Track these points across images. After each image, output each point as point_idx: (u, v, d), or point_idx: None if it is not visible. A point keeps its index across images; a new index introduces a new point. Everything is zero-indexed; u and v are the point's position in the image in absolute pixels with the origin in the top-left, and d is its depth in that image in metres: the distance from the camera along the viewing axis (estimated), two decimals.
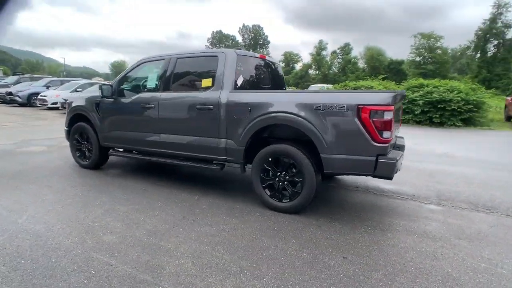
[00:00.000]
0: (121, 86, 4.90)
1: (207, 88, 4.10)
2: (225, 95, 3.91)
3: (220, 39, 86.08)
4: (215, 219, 3.47)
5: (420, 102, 13.21)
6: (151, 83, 4.70)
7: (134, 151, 4.94)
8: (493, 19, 39.58)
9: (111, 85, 4.82)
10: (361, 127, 3.18)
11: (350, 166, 3.32)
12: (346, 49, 62.45)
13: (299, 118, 3.42)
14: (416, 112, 13.29)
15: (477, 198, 4.27)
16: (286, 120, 3.51)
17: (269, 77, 4.98)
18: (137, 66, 4.84)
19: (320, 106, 3.35)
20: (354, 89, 15.66)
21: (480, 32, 40.90)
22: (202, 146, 4.12)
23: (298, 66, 74.89)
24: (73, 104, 5.44)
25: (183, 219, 3.46)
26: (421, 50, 50.65)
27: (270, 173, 3.75)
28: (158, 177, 5.05)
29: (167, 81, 4.41)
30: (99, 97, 5.00)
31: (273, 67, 5.16)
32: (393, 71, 51.99)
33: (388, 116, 3.11)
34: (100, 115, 5.03)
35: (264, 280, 2.38)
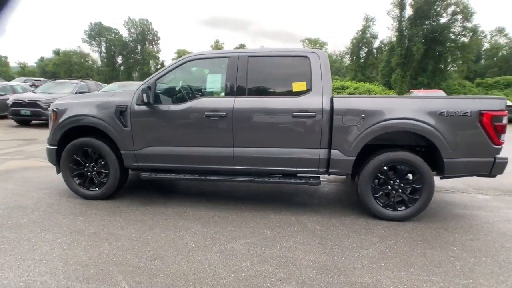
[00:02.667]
0: (157, 90, 3.83)
1: (301, 92, 3.60)
2: (328, 101, 3.52)
3: (100, 32, 76.73)
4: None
5: None
6: (214, 86, 3.83)
7: (170, 170, 3.93)
8: (364, 30, 47.58)
9: (149, 87, 3.70)
10: (482, 131, 3.36)
11: (470, 168, 3.47)
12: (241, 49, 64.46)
13: (425, 125, 3.37)
14: None
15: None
16: (410, 127, 3.41)
17: None
18: (181, 64, 3.85)
19: (444, 112, 3.38)
20: None
21: (354, 41, 48.55)
22: (297, 159, 3.61)
23: None
24: (71, 113, 3.96)
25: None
26: None
27: (380, 182, 3.59)
28: (197, 198, 4.19)
29: (240, 84, 3.67)
30: (126, 103, 3.79)
31: None
32: None
33: (505, 120, 3.38)
34: (127, 127, 3.81)
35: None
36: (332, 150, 3.56)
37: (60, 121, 3.97)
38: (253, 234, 3.19)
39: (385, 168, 3.53)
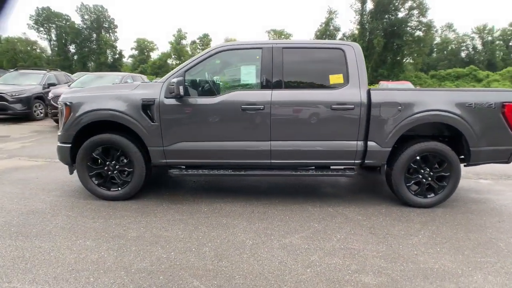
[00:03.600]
0: (186, 82, 3.62)
1: (338, 85, 3.62)
2: (365, 93, 3.58)
3: (48, 18, 70.49)
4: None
5: None
6: (248, 78, 3.69)
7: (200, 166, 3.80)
8: (327, 23, 48.79)
9: (183, 79, 3.48)
10: (504, 121, 3.63)
11: (491, 156, 3.73)
12: (205, 39, 63.06)
13: (456, 116, 3.55)
14: None
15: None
16: (443, 118, 3.57)
17: None
18: (212, 55, 3.67)
19: (472, 104, 3.58)
20: None
21: (318, 33, 49.66)
22: (334, 151, 3.65)
23: (154, 55, 70.51)
24: (90, 107, 3.62)
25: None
26: None
27: (411, 172, 3.74)
28: (224, 193, 4.09)
29: (277, 77, 3.59)
30: (153, 96, 3.55)
31: None
32: None
33: None
34: (155, 121, 3.58)
35: None
36: (368, 142, 3.63)
37: (76, 115, 3.61)
38: (302, 228, 3.18)
39: (417, 158, 3.68)
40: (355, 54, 3.66)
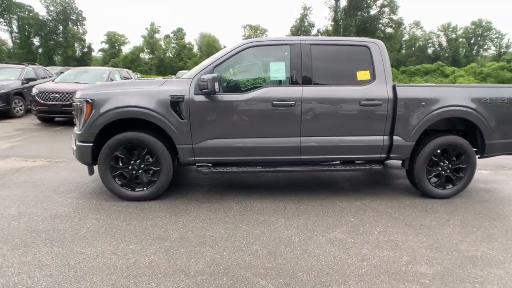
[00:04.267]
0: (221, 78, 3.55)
1: (365, 82, 3.69)
2: (391, 89, 3.68)
3: (9, 8, 65.75)
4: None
5: None
6: (277, 75, 3.66)
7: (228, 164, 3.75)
8: (302, 19, 49.31)
9: (219, 76, 3.40)
10: None
11: (503, 148, 3.97)
12: (179, 33, 61.63)
13: (473, 111, 3.75)
14: None
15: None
16: (463, 113, 3.75)
17: None
18: (240, 51, 3.62)
19: (488, 99, 3.79)
20: None
21: (294, 29, 50.07)
22: (362, 146, 3.73)
23: (126, 49, 67.88)
24: (115, 104, 3.45)
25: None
26: None
27: (431, 164, 3.90)
28: (249, 190, 4.08)
29: (306, 73, 3.60)
30: (182, 93, 3.45)
31: None
32: None
33: None
34: (184, 119, 3.48)
35: None
36: (394, 137, 3.74)
37: (100, 112, 3.43)
38: (340, 223, 3.24)
39: (438, 151, 3.85)
40: (380, 51, 3.74)
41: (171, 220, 3.20)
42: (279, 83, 3.67)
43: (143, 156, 3.60)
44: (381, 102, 3.63)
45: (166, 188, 3.68)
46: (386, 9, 43.54)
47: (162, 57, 58.83)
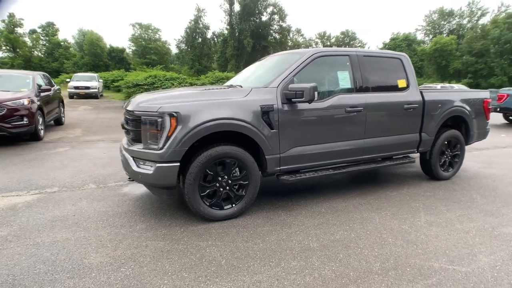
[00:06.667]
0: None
1: (403, 88, 4.37)
2: (419, 94, 4.48)
3: None
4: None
5: None
6: (344, 83, 3.95)
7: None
8: (196, 20, 49.01)
9: (316, 85, 3.43)
10: (484, 111, 5.25)
11: (478, 136, 5.29)
12: (50, 29, 52.52)
13: (466, 110, 4.91)
14: None
15: None
16: (460, 112, 4.85)
17: None
18: (312, 60, 3.79)
19: (471, 100, 5.02)
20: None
21: (188, 30, 49.27)
22: (404, 143, 4.43)
23: None
24: (206, 117, 3.13)
25: None
26: (139, 40, 53.03)
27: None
28: (304, 193, 4.33)
29: (365, 81, 4.04)
30: (271, 102, 3.44)
31: None
32: (116, 59, 51.01)
33: (491, 105, 5.38)
34: (274, 128, 3.46)
35: None
36: (422, 133, 4.56)
37: (190, 127, 3.07)
38: (427, 210, 3.76)
39: (445, 142, 4.88)
40: (408, 62, 4.50)
41: (290, 231, 3.17)
42: (347, 91, 3.99)
43: (229, 171, 3.39)
44: (417, 105, 4.39)
45: (253, 202, 3.55)
46: (276, 17, 47.57)
47: (29, 56, 49.08)
